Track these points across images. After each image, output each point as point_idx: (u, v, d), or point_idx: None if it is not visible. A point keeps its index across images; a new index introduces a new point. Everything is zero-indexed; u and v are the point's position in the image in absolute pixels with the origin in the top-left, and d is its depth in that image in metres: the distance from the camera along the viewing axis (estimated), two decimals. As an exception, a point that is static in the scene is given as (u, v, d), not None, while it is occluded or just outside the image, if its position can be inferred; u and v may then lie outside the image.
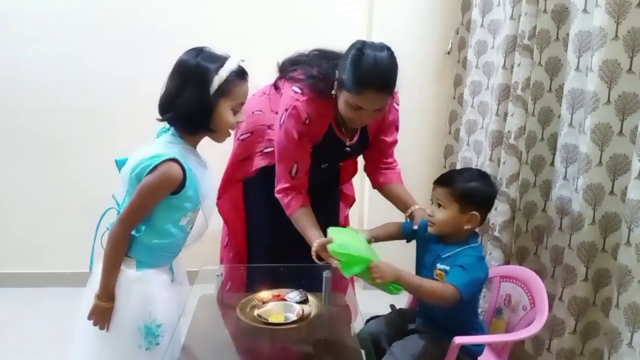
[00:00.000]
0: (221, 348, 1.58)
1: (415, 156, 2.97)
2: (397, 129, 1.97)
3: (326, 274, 1.78)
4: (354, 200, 2.30)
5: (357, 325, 1.75)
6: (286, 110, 1.73)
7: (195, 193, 1.42)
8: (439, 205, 1.61)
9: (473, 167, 2.57)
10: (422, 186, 2.94)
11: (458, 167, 2.70)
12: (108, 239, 1.37)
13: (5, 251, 3.01)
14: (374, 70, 1.56)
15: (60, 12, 2.72)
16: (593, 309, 1.82)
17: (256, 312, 1.59)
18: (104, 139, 2.74)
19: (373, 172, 2.02)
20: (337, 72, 1.65)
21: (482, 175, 1.64)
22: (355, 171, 2.19)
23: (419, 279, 1.55)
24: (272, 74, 1.94)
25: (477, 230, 1.69)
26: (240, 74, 1.41)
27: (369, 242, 1.72)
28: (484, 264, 1.64)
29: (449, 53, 2.82)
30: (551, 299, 1.85)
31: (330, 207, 2.12)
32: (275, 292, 1.72)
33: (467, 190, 1.58)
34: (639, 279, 1.50)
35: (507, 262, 2.19)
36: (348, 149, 1.88)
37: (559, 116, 1.94)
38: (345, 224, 2.21)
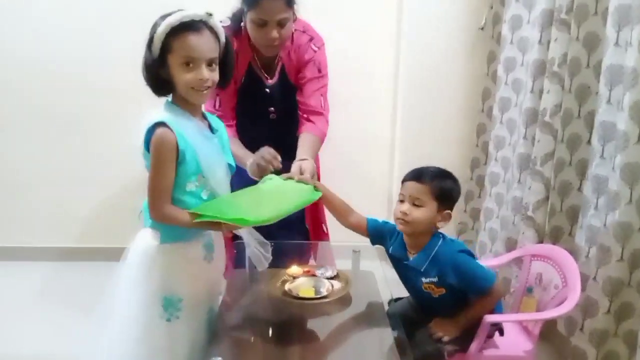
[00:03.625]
0: (253, 323, 1.61)
1: (448, 134, 2.96)
2: (319, 70, 1.97)
3: (355, 250, 1.82)
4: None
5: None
6: None
7: (193, 158, 1.37)
8: (414, 204, 1.56)
9: (506, 145, 2.53)
10: (454, 164, 2.93)
11: (491, 146, 2.66)
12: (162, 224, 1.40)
13: (32, 225, 3.11)
14: None
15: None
16: (628, 290, 1.79)
17: (287, 286, 1.61)
18: (129, 114, 2.77)
19: (299, 118, 1.99)
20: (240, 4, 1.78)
21: (450, 174, 1.64)
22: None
23: (470, 312, 1.58)
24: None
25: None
26: (183, 26, 1.32)
27: (316, 190, 1.63)
28: (464, 249, 1.61)
29: (482, 29, 2.75)
30: (585, 279, 1.83)
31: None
32: (306, 267, 1.74)
33: (447, 189, 1.58)
34: (677, 259, 1.47)
35: (541, 242, 2.17)
36: (267, 90, 1.95)
37: (597, 93, 1.89)
38: None
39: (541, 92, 2.13)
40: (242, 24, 1.83)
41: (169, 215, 1.36)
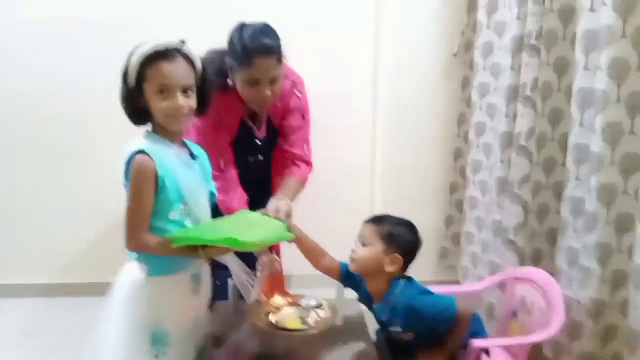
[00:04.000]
0: (241, 358, 1.56)
1: (426, 159, 2.97)
2: (303, 117, 1.99)
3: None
4: None
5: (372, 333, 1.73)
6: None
7: (174, 186, 1.36)
8: (363, 244, 1.58)
9: (483, 169, 2.56)
10: (435, 187, 2.96)
11: (469, 170, 2.68)
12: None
13: (13, 261, 3.01)
14: (255, 37, 1.67)
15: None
16: (611, 311, 1.79)
17: (272, 318, 1.56)
18: (117, 145, 2.75)
19: (281, 165, 2.01)
20: (227, 60, 1.74)
21: (411, 225, 1.64)
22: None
23: (449, 343, 1.57)
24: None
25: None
26: (156, 55, 1.33)
27: (289, 230, 1.61)
28: (422, 290, 1.61)
29: (455, 55, 2.81)
30: (568, 301, 1.83)
31: (265, 199, 2.03)
32: (289, 297, 1.69)
33: (395, 231, 1.58)
34: (657, 279, 1.48)
35: (523, 265, 2.17)
36: (258, 142, 1.95)
37: (570, 116, 1.92)
38: None
39: (516, 116, 2.17)
40: (229, 80, 1.78)
41: (146, 243, 1.34)
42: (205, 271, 1.53)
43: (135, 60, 1.33)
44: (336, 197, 3.01)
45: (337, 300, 1.75)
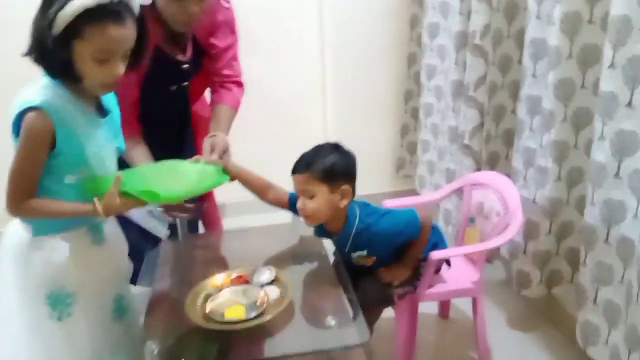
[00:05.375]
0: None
1: (378, 67, 2.83)
2: (232, 32, 1.76)
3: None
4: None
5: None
6: None
7: (78, 151, 1.15)
8: (308, 197, 1.42)
9: (437, 73, 2.45)
10: (387, 99, 2.86)
11: (423, 76, 2.57)
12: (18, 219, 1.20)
13: None
14: None
15: None
16: (567, 208, 1.79)
17: (209, 306, 1.25)
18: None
19: (211, 88, 1.82)
20: None
21: (335, 147, 1.49)
22: (204, 89, 1.95)
23: (411, 254, 1.54)
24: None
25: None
26: (103, 12, 1.06)
27: (225, 173, 1.50)
28: (381, 212, 1.53)
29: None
30: (525, 202, 1.81)
31: (186, 134, 1.93)
32: (236, 271, 1.39)
33: (329, 166, 1.42)
34: (614, 173, 1.45)
35: (479, 169, 2.13)
36: (185, 65, 1.68)
37: (525, 9, 1.81)
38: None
39: (470, 13, 2.03)
40: None
41: (30, 210, 1.15)
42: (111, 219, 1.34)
43: (71, 10, 1.04)
44: (287, 114, 2.89)
45: (292, 224, 1.66)
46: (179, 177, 1.36)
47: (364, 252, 1.51)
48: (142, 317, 1.34)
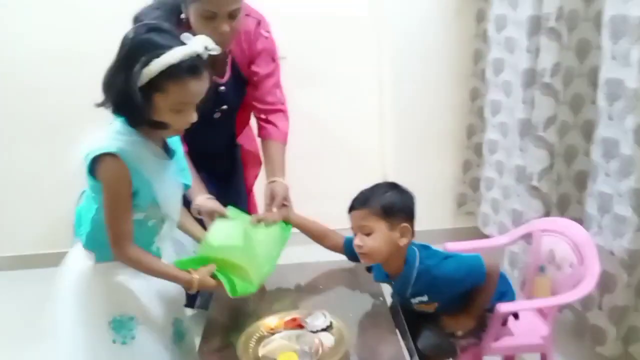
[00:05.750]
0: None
1: (439, 101, 2.78)
2: (273, 59, 1.78)
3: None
4: (259, 158, 2.02)
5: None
6: None
7: (148, 193, 1.20)
8: (366, 234, 1.38)
9: (503, 109, 2.37)
10: (450, 130, 2.78)
11: (487, 111, 2.50)
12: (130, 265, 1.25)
13: None
14: None
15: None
16: (648, 261, 1.66)
17: (262, 351, 1.23)
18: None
19: (256, 118, 1.84)
20: None
21: (392, 185, 1.46)
22: (248, 119, 1.98)
23: (476, 302, 1.46)
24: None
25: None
26: (184, 69, 1.11)
27: (287, 223, 1.58)
28: (443, 256, 1.47)
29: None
30: (599, 250, 1.69)
31: (235, 169, 1.96)
32: (290, 314, 1.35)
33: (388, 202, 1.39)
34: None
35: (548, 214, 2.03)
36: (223, 88, 1.72)
37: (598, 47, 1.72)
38: (251, 189, 2.06)
39: (538, 50, 1.96)
40: (182, 15, 1.56)
41: (135, 259, 1.22)
42: (165, 244, 1.38)
43: (156, 67, 1.10)
44: (345, 149, 2.88)
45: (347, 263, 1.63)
46: (255, 251, 1.44)
47: (425, 298, 1.46)
48: (197, 341, 1.37)
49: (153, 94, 1.13)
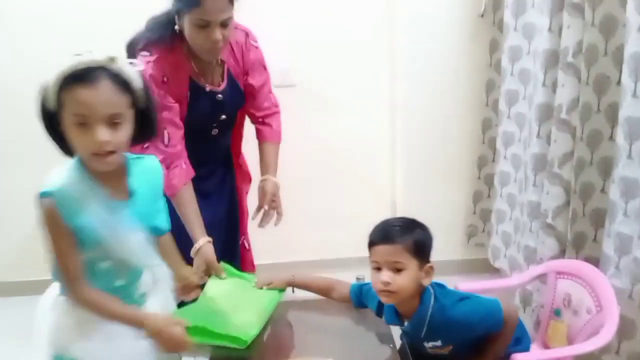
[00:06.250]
0: None
1: (451, 131, 2.74)
2: (265, 68, 1.88)
3: (359, 278, 1.62)
4: (250, 176, 2.09)
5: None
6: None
7: (90, 233, 1.13)
8: (396, 270, 1.32)
9: (516, 141, 2.33)
10: (462, 162, 2.73)
11: (499, 143, 2.45)
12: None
13: None
14: None
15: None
16: (669, 307, 1.59)
17: None
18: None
19: (254, 123, 1.94)
20: (172, 6, 1.61)
21: (414, 222, 1.41)
22: (241, 135, 2.02)
23: (493, 349, 1.41)
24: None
25: None
26: (74, 78, 1.06)
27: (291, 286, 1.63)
28: (459, 297, 1.42)
29: (482, 15, 2.52)
30: (617, 293, 1.62)
31: (229, 189, 1.99)
32: None
33: (421, 240, 1.35)
34: None
35: (563, 252, 1.96)
36: (220, 96, 1.76)
37: (618, 83, 1.67)
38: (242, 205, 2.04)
39: (554, 84, 1.91)
40: (176, 27, 1.61)
41: (87, 300, 1.16)
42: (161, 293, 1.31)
43: (53, 81, 1.07)
44: (355, 176, 2.84)
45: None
46: (247, 307, 1.48)
47: (439, 343, 1.39)
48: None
49: (62, 114, 1.09)
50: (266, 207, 1.81)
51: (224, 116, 1.81)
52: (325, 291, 1.60)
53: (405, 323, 1.43)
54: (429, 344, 1.40)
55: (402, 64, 2.66)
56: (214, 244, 1.69)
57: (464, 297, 1.41)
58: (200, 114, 1.74)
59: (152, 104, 1.19)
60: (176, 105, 1.67)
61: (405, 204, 2.78)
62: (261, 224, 1.84)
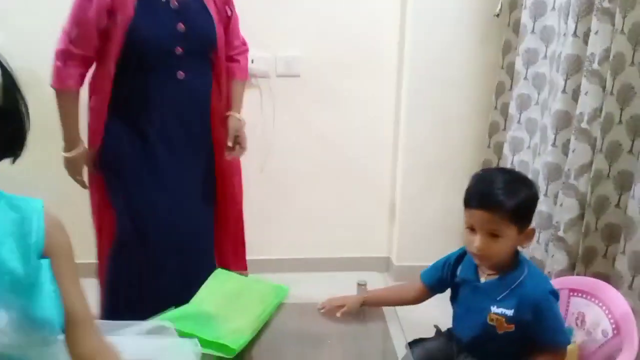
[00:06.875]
0: None
1: (456, 133, 2.65)
2: (234, 6, 1.87)
3: (361, 284, 1.54)
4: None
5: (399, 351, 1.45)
6: None
7: None
8: (493, 235, 1.25)
9: (525, 148, 2.25)
10: (467, 166, 2.64)
11: (506, 148, 2.37)
12: None
13: None
14: None
15: None
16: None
17: None
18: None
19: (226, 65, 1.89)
20: None
21: (519, 178, 1.32)
22: (223, 96, 1.87)
23: None
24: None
25: None
26: None
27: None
28: (552, 289, 1.35)
29: (497, 15, 2.43)
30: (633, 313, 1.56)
31: (205, 154, 1.87)
32: None
33: (524, 204, 1.26)
34: None
35: (572, 266, 1.89)
36: (176, 3, 1.65)
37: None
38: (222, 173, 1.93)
39: (574, 92, 1.83)
40: None
41: None
42: None
43: None
44: (355, 175, 2.75)
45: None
46: (240, 312, 1.39)
47: (510, 312, 1.29)
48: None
49: None
50: (230, 143, 1.84)
51: (182, 27, 1.66)
52: (398, 298, 1.52)
53: (482, 279, 1.34)
54: (497, 309, 1.31)
55: (410, 61, 2.56)
56: (183, 212, 1.70)
57: (554, 292, 1.34)
58: (152, 21, 1.62)
59: (15, 98, 0.82)
60: (104, 14, 1.56)
61: (405, 206, 2.69)
62: (226, 157, 1.87)
